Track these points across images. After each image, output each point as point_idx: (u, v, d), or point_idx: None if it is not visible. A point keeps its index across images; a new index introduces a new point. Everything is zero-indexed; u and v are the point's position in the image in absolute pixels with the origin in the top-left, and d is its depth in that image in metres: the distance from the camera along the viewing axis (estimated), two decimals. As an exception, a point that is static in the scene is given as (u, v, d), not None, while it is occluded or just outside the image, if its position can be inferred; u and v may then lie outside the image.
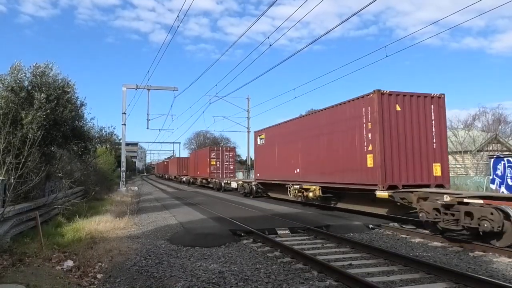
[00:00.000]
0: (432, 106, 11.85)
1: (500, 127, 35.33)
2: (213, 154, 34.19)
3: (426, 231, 9.64)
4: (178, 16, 14.38)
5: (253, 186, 22.43)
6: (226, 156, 34.72)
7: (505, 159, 17.84)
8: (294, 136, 16.86)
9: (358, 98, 12.24)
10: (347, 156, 12.68)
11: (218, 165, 34.04)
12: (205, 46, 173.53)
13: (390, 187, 10.90)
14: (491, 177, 18.57)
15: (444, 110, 12.09)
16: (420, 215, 9.34)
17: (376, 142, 11.16)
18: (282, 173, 17.95)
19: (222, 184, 29.61)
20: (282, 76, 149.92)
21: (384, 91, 11.36)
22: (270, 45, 13.43)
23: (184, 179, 47.27)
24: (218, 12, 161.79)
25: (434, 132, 11.78)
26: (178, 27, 14.93)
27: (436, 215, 8.80)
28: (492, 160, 18.59)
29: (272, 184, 20.06)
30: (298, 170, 16.31)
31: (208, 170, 33.84)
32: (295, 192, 16.29)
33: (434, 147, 11.76)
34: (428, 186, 11.25)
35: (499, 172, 17.84)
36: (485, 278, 5.66)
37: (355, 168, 12.14)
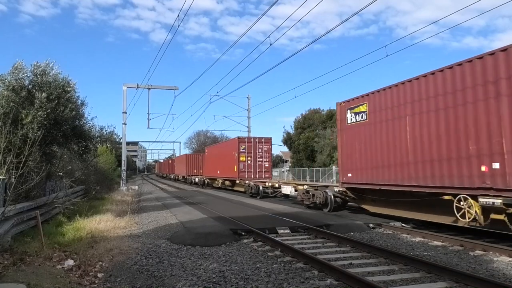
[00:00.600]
0: None
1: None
2: (242, 147, 25.43)
3: (426, 231, 9.64)
4: (178, 15, 14.38)
5: (330, 195, 14.29)
6: (260, 150, 25.85)
7: None
8: (474, 94, 8.51)
9: None
10: None
11: (249, 162, 25.50)
12: (205, 45, 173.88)
13: None
14: None
15: None
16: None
17: None
18: (427, 169, 9.67)
19: (261, 187, 22.15)
20: (283, 75, 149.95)
21: None
22: (271, 44, 13.41)
23: (196, 179, 39.86)
24: (218, 11, 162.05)
25: None
26: (178, 26, 14.89)
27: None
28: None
29: (381, 191, 11.57)
30: (497, 166, 7.95)
31: (235, 169, 25.59)
32: (479, 213, 8.34)
33: None
34: None
35: None
36: (486, 277, 5.66)
37: None
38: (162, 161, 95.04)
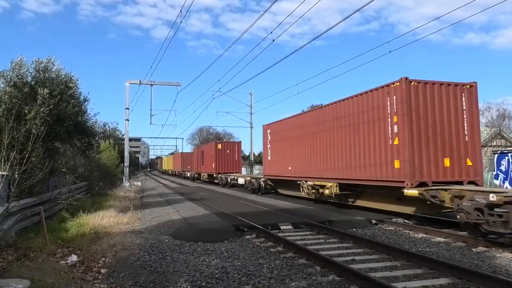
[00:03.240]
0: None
1: (504, 122, 35.10)
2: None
3: (429, 227, 9.63)
4: (181, 11, 14.32)
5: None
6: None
7: (509, 154, 17.70)
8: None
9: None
10: None
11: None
12: (207, 41, 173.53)
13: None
14: (494, 173, 18.48)
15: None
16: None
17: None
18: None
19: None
20: (285, 71, 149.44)
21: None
22: (273, 41, 13.45)
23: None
24: (220, 7, 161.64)
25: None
26: (180, 23, 14.85)
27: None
28: (496, 155, 18.47)
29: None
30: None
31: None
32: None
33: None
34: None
35: (503, 168, 17.73)
36: (488, 273, 5.65)
37: None
38: (189, 151, 60.62)
